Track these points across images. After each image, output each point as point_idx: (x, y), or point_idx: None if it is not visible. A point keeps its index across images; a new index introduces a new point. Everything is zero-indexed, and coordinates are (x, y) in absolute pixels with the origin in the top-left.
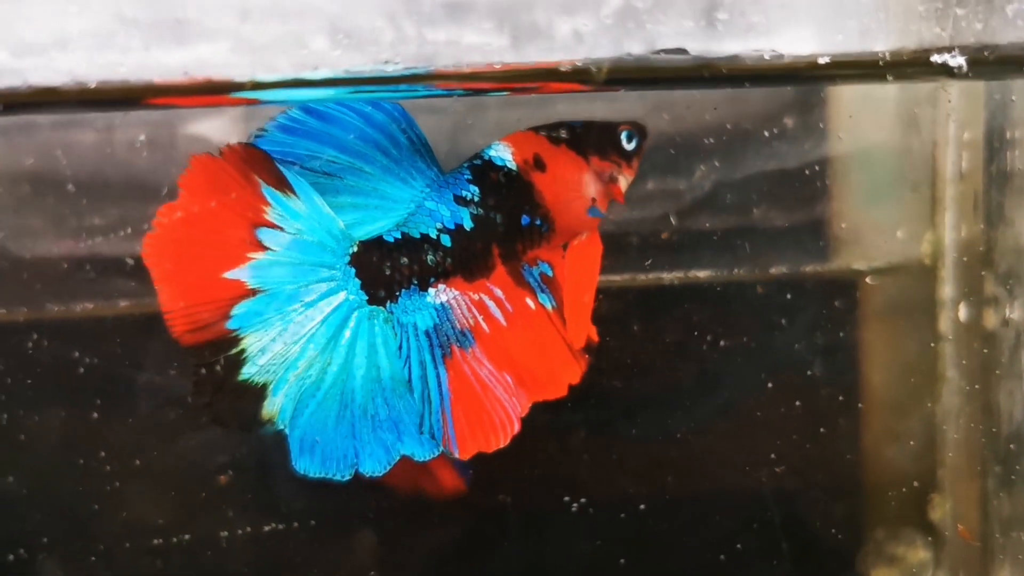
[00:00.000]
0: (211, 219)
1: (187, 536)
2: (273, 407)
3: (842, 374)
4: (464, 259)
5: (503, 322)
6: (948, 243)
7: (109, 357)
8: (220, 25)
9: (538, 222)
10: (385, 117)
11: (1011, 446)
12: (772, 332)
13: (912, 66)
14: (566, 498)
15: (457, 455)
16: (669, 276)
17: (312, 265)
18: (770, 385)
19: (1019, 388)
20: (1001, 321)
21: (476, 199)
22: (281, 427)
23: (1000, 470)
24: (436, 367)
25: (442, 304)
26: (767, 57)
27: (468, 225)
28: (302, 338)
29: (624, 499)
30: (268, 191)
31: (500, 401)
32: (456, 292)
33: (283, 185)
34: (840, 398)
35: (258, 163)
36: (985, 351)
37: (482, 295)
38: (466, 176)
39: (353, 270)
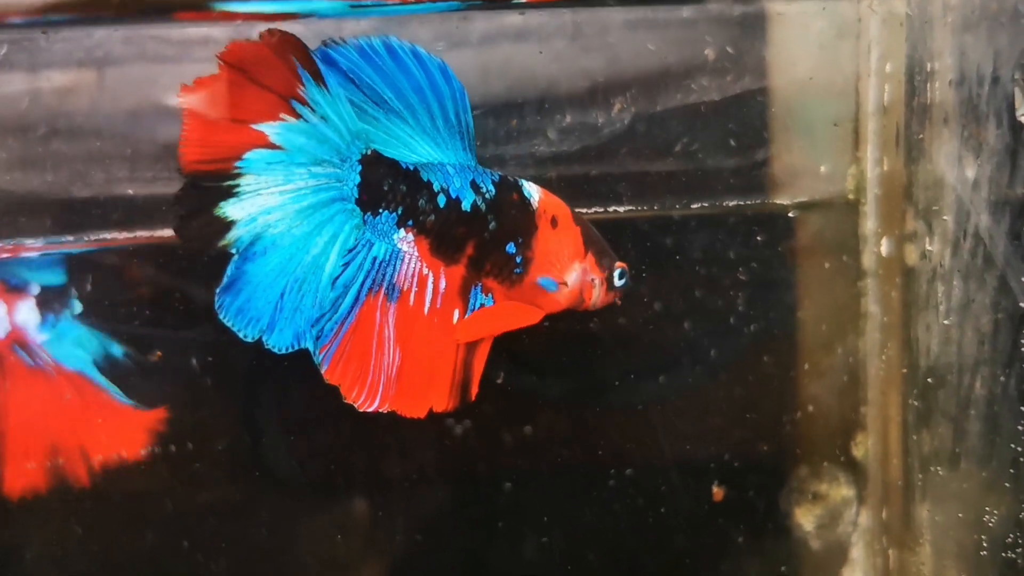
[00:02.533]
0: (256, 81)
1: None
2: (234, 236)
3: (768, 311)
4: (442, 231)
5: (426, 309)
6: (871, 178)
7: None
8: None
9: (518, 259)
10: (448, 90)
11: (929, 380)
12: (694, 268)
13: None
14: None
15: (322, 372)
16: (588, 212)
17: (331, 145)
18: (693, 323)
19: (936, 322)
20: (920, 255)
21: (488, 197)
22: (234, 252)
23: (919, 405)
24: (361, 290)
25: (399, 250)
26: None
27: (466, 207)
28: (288, 194)
29: (542, 432)
30: (302, 71)
31: (380, 371)
32: (415, 251)
33: (316, 75)
34: (766, 336)
35: (295, 47)
36: (906, 286)
37: (431, 272)
38: (493, 177)
39: (360, 168)
